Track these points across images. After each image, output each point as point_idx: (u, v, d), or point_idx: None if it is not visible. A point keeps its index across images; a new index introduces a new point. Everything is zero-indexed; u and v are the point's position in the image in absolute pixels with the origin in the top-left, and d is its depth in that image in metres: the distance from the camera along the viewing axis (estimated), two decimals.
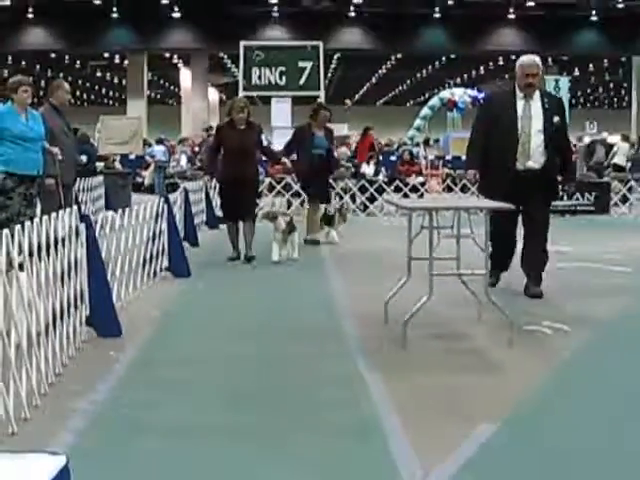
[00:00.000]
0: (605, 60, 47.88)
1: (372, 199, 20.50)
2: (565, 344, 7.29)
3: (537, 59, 9.41)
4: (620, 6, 35.25)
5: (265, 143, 12.43)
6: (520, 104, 9.16)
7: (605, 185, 20.90)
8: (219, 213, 14.95)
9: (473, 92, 27.03)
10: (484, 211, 7.72)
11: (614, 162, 25.34)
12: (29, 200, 9.32)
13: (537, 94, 9.28)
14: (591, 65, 50.08)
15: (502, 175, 8.97)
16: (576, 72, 50.19)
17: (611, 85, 59.40)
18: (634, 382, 6.20)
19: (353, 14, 36.17)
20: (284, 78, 19.47)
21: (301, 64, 19.29)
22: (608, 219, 19.60)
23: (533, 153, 9.06)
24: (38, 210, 9.77)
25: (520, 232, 9.62)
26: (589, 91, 61.61)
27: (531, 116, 9.11)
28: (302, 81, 19.36)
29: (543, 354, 7.07)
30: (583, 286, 8.49)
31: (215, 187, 14.96)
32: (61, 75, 53.61)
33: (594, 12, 36.50)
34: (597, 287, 9.65)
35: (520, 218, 9.40)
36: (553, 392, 5.94)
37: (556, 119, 9.18)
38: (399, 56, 45.43)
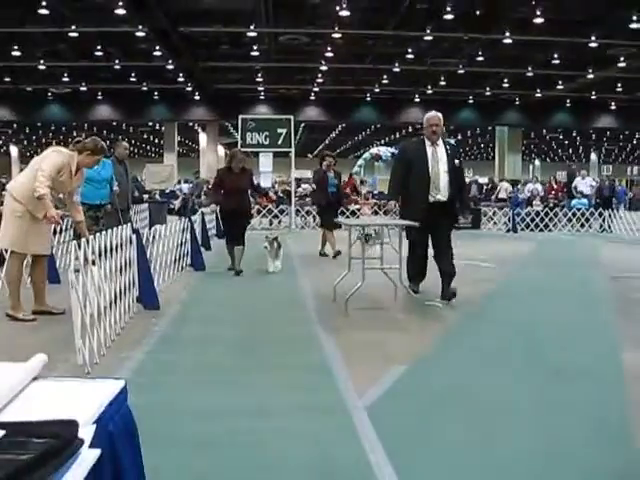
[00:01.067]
0: (477, 128, 48.18)
1: None
2: (452, 314, 7.36)
3: (438, 114, 8.38)
4: (488, 93, 35.52)
5: (255, 182, 11.43)
6: (429, 150, 8.15)
7: (477, 210, 21.09)
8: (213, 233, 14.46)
9: (392, 149, 27.00)
10: (399, 227, 7.83)
11: (500, 197, 25.56)
12: (94, 219, 9.36)
13: (441, 142, 8.26)
14: (469, 132, 50.35)
15: (418, 205, 7.94)
16: (459, 136, 50.52)
17: (482, 145, 59.67)
18: (493, 338, 6.29)
19: (313, 97, 36.27)
20: (267, 139, 19.47)
21: (279, 130, 19.29)
22: (480, 232, 19.77)
23: (441, 188, 8.06)
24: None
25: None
26: (467, 149, 61.89)
27: (438, 159, 8.12)
28: (279, 142, 19.36)
29: (437, 320, 7.10)
30: (464, 276, 8.57)
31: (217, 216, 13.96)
32: (120, 137, 53.38)
33: (471, 97, 36.80)
34: (473, 277, 9.74)
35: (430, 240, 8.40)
36: (443, 345, 5.99)
37: (456, 162, 8.26)
38: (343, 125, 45.49)
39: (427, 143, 8.20)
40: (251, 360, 5.41)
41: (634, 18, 21.77)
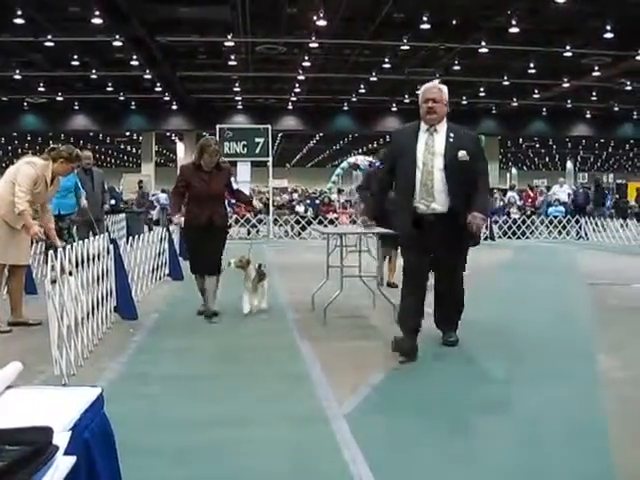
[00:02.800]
0: None
1: (303, 228, 20.56)
2: (429, 321, 7.36)
3: (440, 85, 6.07)
4: (464, 102, 35.77)
5: (235, 187, 8.23)
6: (422, 138, 5.74)
7: None
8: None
9: (369, 158, 27.05)
10: (376, 235, 7.80)
11: None
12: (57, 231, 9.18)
13: (444, 127, 5.76)
14: None
15: (403, 217, 5.79)
16: None
17: None
18: (472, 345, 6.29)
19: (290, 107, 36.34)
20: (245, 149, 19.45)
21: (256, 140, 19.29)
22: None
23: (436, 194, 5.65)
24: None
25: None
26: None
27: (434, 152, 5.67)
28: (257, 151, 19.35)
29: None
30: None
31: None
32: (96, 147, 53.15)
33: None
34: None
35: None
36: (422, 353, 6.00)
37: (461, 153, 5.64)
38: (321, 134, 45.60)
39: (422, 128, 5.82)
40: (230, 370, 5.40)
41: (607, 28, 22.07)
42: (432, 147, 5.67)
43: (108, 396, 4.42)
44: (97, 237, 6.72)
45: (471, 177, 5.68)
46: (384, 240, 8.04)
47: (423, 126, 5.77)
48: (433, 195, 5.65)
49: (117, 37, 22.79)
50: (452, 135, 5.70)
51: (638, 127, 40.38)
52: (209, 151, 7.23)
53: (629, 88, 31.12)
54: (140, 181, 27.49)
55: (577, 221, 21.41)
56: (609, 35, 22.54)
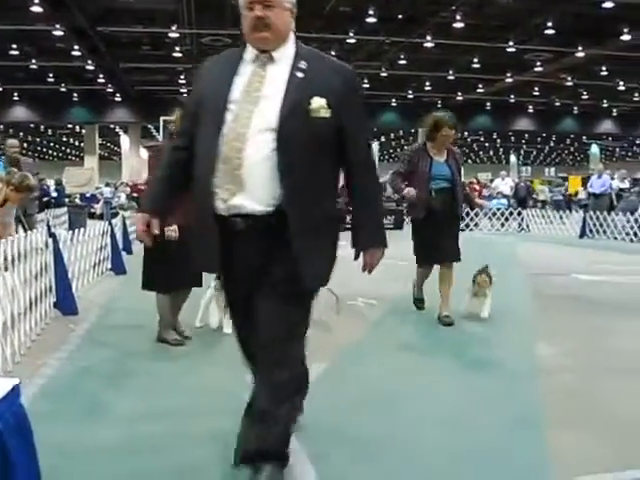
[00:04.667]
0: (401, 131, 48.87)
1: None
2: (372, 312, 7.44)
3: None
4: (410, 96, 36.09)
5: None
6: (245, 72, 2.95)
7: (400, 211, 21.35)
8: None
9: None
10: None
11: None
12: None
13: (287, 53, 3.00)
14: (392, 134, 51.00)
15: (198, 224, 3.06)
16: (382, 139, 51.12)
17: (405, 146, 60.47)
18: (414, 334, 6.40)
19: None
20: None
21: None
22: (402, 232, 20.00)
23: (251, 179, 2.82)
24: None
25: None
26: (391, 151, 62.66)
27: (260, 98, 2.87)
28: None
29: (360, 318, 7.17)
30: (384, 275, 8.51)
31: None
32: (37, 140, 52.12)
33: (393, 100, 37.32)
34: (391, 275, 9.81)
35: None
36: (364, 343, 6.07)
37: (316, 103, 2.85)
38: None
39: (247, 56, 3.00)
40: (170, 364, 5.36)
41: (549, 25, 22.51)
42: (259, 89, 2.91)
43: (46, 392, 4.37)
44: (28, 232, 6.57)
45: (333, 152, 2.98)
46: (418, 253, 7.17)
47: (249, 52, 3.02)
48: (241, 181, 2.85)
49: (58, 26, 22.33)
50: (303, 67, 2.95)
51: (578, 122, 41.29)
52: None
53: (570, 84, 31.79)
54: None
55: (519, 213, 21.80)
56: (550, 32, 23.00)
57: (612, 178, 20.75)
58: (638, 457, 3.50)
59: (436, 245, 6.83)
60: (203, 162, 2.93)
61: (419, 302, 7.60)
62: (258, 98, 2.88)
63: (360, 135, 3.09)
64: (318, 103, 2.86)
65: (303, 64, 2.95)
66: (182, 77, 31.44)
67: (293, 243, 2.83)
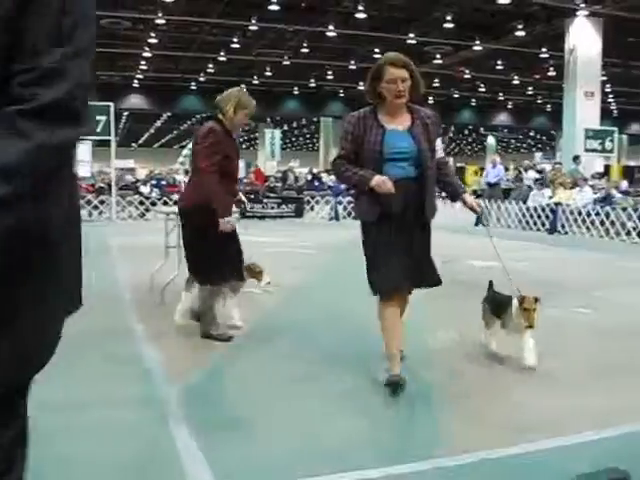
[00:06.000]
0: (303, 119, 49.04)
1: (148, 210, 20.01)
2: (269, 299, 7.44)
3: None
4: (312, 85, 36.25)
5: None
6: None
7: (300, 199, 21.48)
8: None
9: None
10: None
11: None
12: None
13: None
14: (295, 122, 51.12)
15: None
16: (285, 127, 51.18)
17: (307, 135, 60.75)
18: (305, 322, 6.43)
19: (137, 84, 35.43)
20: None
21: (98, 117, 18.55)
22: (303, 220, 20.11)
23: None
24: None
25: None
26: (293, 139, 62.83)
27: None
28: (99, 129, 18.63)
29: (254, 304, 7.15)
30: (283, 261, 8.61)
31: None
32: None
33: (296, 88, 37.40)
34: (294, 262, 9.88)
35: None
36: (258, 327, 6.08)
37: None
38: (169, 114, 44.80)
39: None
40: (61, 353, 5.21)
41: (448, 18, 23.05)
42: None
43: None
44: None
45: None
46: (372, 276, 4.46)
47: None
48: None
49: None
50: None
51: (476, 114, 42.52)
52: (250, 107, 5.50)
53: (468, 76, 32.67)
54: None
55: None
56: (450, 25, 23.56)
57: (506, 169, 21.47)
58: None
59: (401, 261, 4.35)
60: None
61: (394, 364, 4.38)
62: None
63: None
64: None
65: None
66: None
67: None
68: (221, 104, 5.40)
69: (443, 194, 5.05)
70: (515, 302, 4.84)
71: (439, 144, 4.53)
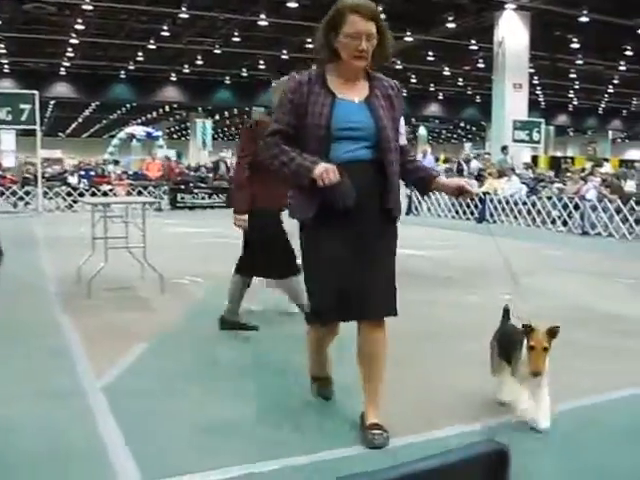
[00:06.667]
0: (235, 109, 48.72)
1: (75, 201, 19.59)
2: (198, 290, 7.44)
3: None
4: (244, 74, 36.05)
5: None
6: None
7: (227, 189, 21.40)
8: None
9: (147, 129, 26.60)
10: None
11: None
12: None
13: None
14: (226, 112, 50.73)
15: None
16: (217, 117, 50.78)
17: (239, 125, 60.35)
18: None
19: (63, 72, 34.54)
20: (10, 115, 18.11)
21: (22, 106, 18.04)
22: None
23: None
24: None
25: None
26: (225, 129, 62.37)
27: None
28: (23, 118, 18.13)
29: (183, 297, 7.14)
30: (212, 253, 8.53)
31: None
32: None
33: (227, 77, 37.12)
34: (220, 254, 9.83)
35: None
36: (184, 321, 6.06)
37: None
38: (97, 103, 43.86)
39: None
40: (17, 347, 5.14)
41: (380, 9, 23.17)
42: None
43: None
44: None
45: None
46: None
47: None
48: None
49: None
50: None
51: (408, 104, 42.59)
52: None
53: (399, 67, 32.97)
54: None
55: None
56: (382, 16, 23.69)
57: (437, 159, 21.74)
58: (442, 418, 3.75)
59: (345, 280, 3.32)
60: None
61: (322, 387, 4.01)
62: None
63: None
64: None
65: None
66: (2, 47, 29.60)
67: None
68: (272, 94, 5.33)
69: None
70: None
71: (403, 126, 3.54)
